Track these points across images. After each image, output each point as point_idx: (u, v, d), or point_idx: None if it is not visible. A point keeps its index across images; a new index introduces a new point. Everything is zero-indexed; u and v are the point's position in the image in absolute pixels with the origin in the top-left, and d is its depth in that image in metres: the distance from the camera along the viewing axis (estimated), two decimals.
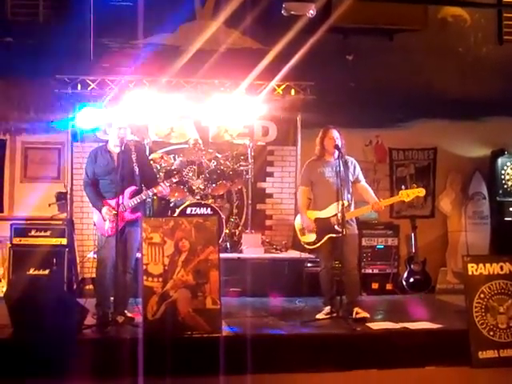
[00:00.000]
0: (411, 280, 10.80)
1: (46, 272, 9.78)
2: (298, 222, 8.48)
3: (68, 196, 10.76)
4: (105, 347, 6.90)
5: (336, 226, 8.00)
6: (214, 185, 10.50)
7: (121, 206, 7.56)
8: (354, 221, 8.32)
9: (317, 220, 8.21)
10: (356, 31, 11.55)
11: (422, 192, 8.24)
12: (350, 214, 8.11)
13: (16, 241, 9.98)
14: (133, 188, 7.72)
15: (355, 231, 8.30)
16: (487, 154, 11.97)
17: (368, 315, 8.03)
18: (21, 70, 10.82)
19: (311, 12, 9.04)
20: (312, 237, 8.26)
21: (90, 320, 7.48)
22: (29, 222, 10.34)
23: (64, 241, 10.03)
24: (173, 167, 10.50)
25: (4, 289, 9.29)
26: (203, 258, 7.31)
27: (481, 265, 7.53)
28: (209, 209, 10.10)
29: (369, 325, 7.77)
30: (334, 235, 8.05)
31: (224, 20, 11.13)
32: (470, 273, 7.51)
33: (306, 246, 8.46)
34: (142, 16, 10.68)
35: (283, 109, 11.15)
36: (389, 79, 11.61)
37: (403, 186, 8.57)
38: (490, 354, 7.25)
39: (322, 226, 8.15)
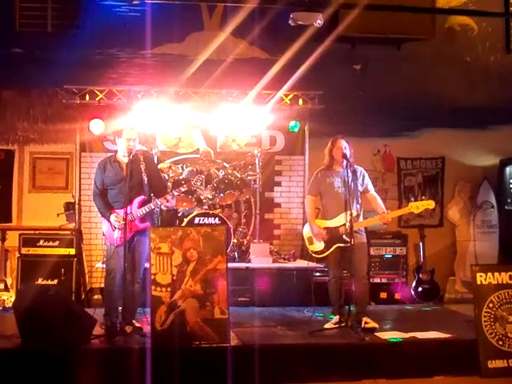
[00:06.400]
0: (420, 289, 10.78)
1: (55, 282, 9.82)
2: (306, 231, 8.48)
3: (76, 206, 10.77)
4: (113, 357, 6.90)
5: (344, 236, 7.98)
6: (221, 194, 10.49)
7: (130, 216, 7.58)
8: (363, 230, 8.30)
9: (325, 229, 8.20)
10: (364, 40, 11.56)
11: (431, 204, 8.20)
12: (358, 224, 8.09)
13: (24, 251, 10.01)
14: (141, 197, 7.73)
15: (364, 240, 8.28)
16: (495, 163, 11.94)
17: (377, 326, 8.01)
18: (29, 80, 10.89)
19: (319, 22, 9.04)
20: (320, 246, 8.25)
21: (98, 330, 7.48)
22: (37, 231, 10.35)
23: (72, 251, 10.06)
24: (181, 177, 10.51)
25: (12, 299, 9.29)
26: (211, 267, 7.31)
27: (489, 274, 7.49)
28: (217, 218, 10.10)
29: (377, 334, 7.75)
30: (343, 245, 8.03)
31: (232, 30, 11.16)
32: (478, 282, 7.47)
33: (314, 255, 8.47)
34: (150, 26, 10.68)
35: (291, 118, 11.15)
36: (397, 88, 11.63)
37: (412, 198, 8.58)
38: (499, 363, 7.20)
39: (331, 236, 8.14)
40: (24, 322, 7.07)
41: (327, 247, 8.18)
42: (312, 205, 8.44)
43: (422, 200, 8.26)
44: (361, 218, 8.23)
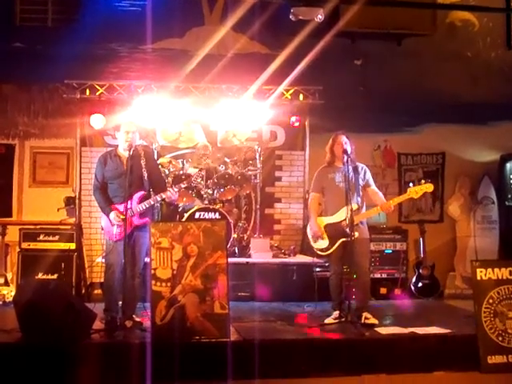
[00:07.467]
0: (420, 285, 10.78)
1: (55, 276, 9.82)
2: (309, 229, 8.48)
3: (76, 201, 10.77)
4: (113, 352, 6.90)
5: (347, 230, 7.97)
6: (222, 189, 10.50)
7: (129, 211, 7.58)
8: (365, 224, 8.30)
9: (328, 225, 8.21)
10: (364, 36, 11.53)
11: (430, 187, 8.16)
12: (359, 216, 8.08)
13: (25, 245, 10.01)
14: (141, 193, 7.73)
15: (366, 235, 8.29)
16: (496, 159, 11.93)
17: (377, 322, 8.00)
18: (30, 75, 10.87)
19: (319, 17, 9.01)
20: (325, 243, 8.24)
21: (98, 325, 7.48)
22: (37, 226, 10.35)
23: (72, 245, 10.06)
24: (181, 172, 10.50)
25: (13, 293, 9.29)
26: (211, 262, 7.31)
27: (489, 269, 7.49)
28: (217, 213, 10.10)
29: (377, 329, 7.75)
30: (346, 239, 8.02)
31: (232, 25, 11.14)
32: (478, 278, 7.47)
33: (319, 252, 8.42)
34: (151, 21, 10.66)
35: (291, 113, 11.14)
36: (397, 84, 11.62)
37: (411, 184, 8.49)
38: (499, 359, 7.20)
39: (334, 231, 8.14)
40: (24, 317, 7.07)
41: (332, 244, 8.17)
42: (315, 202, 8.44)
43: (420, 184, 8.23)
44: (363, 211, 8.24)
